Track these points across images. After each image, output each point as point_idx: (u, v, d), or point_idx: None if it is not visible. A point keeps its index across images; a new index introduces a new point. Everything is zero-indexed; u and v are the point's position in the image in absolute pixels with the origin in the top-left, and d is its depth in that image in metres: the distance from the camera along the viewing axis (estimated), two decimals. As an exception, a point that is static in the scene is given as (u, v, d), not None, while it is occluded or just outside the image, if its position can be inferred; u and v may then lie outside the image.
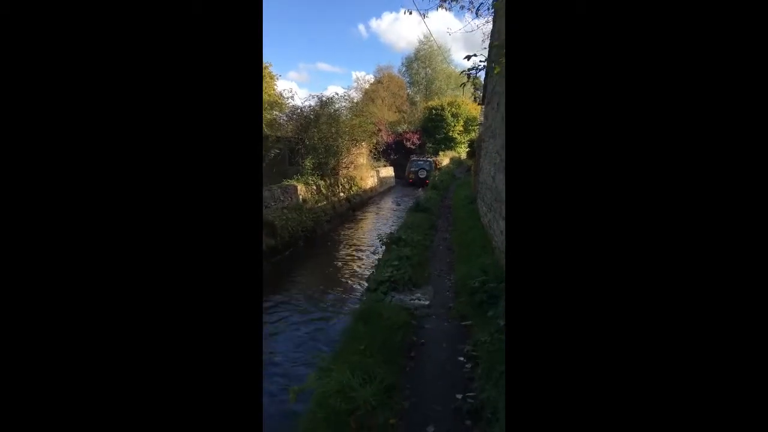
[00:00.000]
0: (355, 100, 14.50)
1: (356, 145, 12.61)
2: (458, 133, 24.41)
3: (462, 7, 6.93)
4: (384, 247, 6.11)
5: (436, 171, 18.27)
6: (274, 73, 16.60)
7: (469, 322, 3.35)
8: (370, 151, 15.76)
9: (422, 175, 17.80)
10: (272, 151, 10.12)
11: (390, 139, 22.29)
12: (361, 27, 57.79)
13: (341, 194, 11.55)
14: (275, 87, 15.15)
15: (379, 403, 2.17)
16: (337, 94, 11.83)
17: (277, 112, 11.80)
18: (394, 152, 22.21)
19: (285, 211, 7.89)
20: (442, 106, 24.25)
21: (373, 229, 9.89)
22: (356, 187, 12.91)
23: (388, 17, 59.13)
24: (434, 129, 24.22)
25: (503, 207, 4.69)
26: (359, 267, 6.70)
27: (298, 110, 11.68)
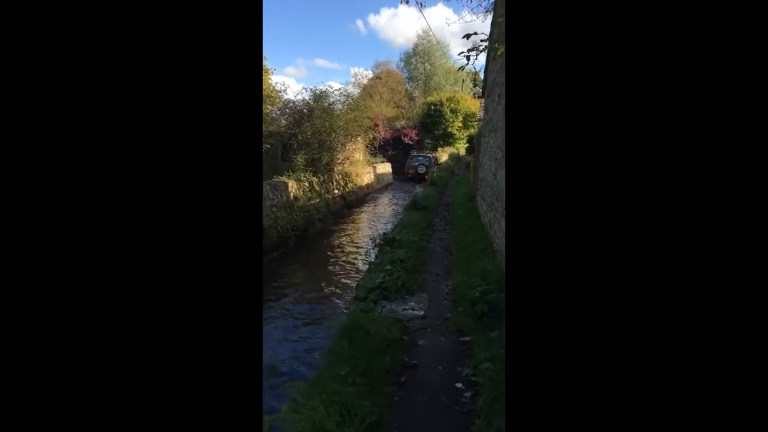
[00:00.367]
0: (352, 95, 14.05)
1: (352, 140, 12.19)
2: (457, 129, 24.08)
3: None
4: (377, 249, 5.71)
5: (435, 167, 18.13)
6: (269, 68, 16.15)
7: (469, 338, 2.96)
8: (367, 147, 15.34)
9: (421, 170, 17.77)
10: (263, 147, 9.69)
11: (388, 135, 21.91)
12: (359, 23, 57.14)
13: (336, 191, 11.13)
14: (270, 81, 14.72)
15: (360, 448, 1.79)
16: (331, 87, 11.37)
17: (269, 106, 11.35)
18: (392, 148, 21.85)
19: (274, 209, 7.49)
20: (440, 101, 23.91)
21: (369, 227, 9.50)
22: (352, 184, 12.50)
23: (386, 13, 58.55)
24: (433, 125, 23.90)
25: (505, 206, 4.30)
26: (352, 269, 6.32)
27: (291, 104, 11.23)
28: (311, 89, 11.20)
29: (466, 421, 2.08)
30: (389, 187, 17.43)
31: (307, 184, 9.44)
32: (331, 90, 11.33)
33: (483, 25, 15.25)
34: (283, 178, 8.75)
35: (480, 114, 13.82)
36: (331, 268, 6.44)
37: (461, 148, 24.03)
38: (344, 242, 8.12)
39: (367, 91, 28.63)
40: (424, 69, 31.00)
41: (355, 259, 6.95)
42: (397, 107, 28.54)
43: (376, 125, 18.25)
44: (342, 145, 11.51)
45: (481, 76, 7.90)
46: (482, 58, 6.24)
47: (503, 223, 4.43)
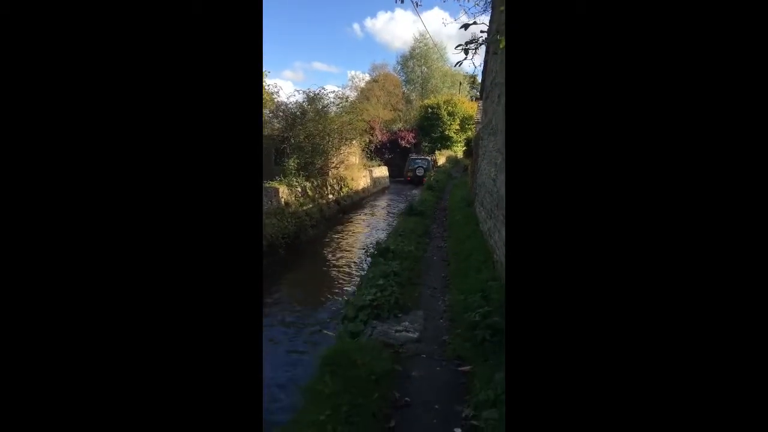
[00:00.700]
0: (349, 98, 13.72)
1: (347, 144, 11.86)
2: (455, 132, 23.88)
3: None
4: (370, 259, 5.37)
5: (433, 170, 18.14)
6: (264, 71, 15.88)
7: (468, 367, 2.63)
8: (363, 150, 15.03)
9: (420, 173, 17.95)
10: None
11: (385, 138, 21.62)
12: (356, 26, 57.08)
13: (330, 196, 10.79)
14: (264, 83, 14.40)
15: None
16: (324, 89, 11.04)
17: (261, 109, 11.00)
18: (388, 151, 21.55)
19: (264, 216, 7.15)
20: (438, 104, 23.76)
21: (364, 234, 9.17)
22: (347, 188, 12.16)
23: (382, 17, 58.56)
24: (430, 128, 23.69)
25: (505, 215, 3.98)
26: (344, 280, 5.97)
27: (284, 106, 10.90)
28: (305, 91, 10.88)
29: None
30: (386, 191, 17.11)
31: (299, 189, 9.09)
32: (325, 92, 11.00)
33: (480, 27, 15.03)
34: (274, 184, 8.41)
35: (477, 117, 13.55)
36: (322, 278, 6.09)
37: (458, 151, 23.79)
38: (337, 250, 7.78)
39: (364, 94, 28.47)
40: (421, 72, 30.88)
41: (349, 268, 6.61)
42: (394, 110, 28.30)
43: (373, 128, 17.96)
44: (336, 148, 11.18)
45: (479, 78, 7.62)
46: (480, 57, 5.96)
47: (504, 233, 4.11)
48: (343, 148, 11.76)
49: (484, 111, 7.31)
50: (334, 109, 11.33)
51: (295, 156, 9.80)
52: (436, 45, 29.15)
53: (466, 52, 2.31)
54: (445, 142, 24.00)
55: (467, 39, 2.34)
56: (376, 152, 18.13)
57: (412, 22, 53.64)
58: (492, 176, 5.26)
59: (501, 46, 2.36)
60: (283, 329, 4.39)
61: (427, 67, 30.61)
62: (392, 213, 11.42)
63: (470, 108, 22.33)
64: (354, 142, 12.64)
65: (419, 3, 8.01)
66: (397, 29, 53.09)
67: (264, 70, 16.03)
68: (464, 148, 22.89)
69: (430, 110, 23.70)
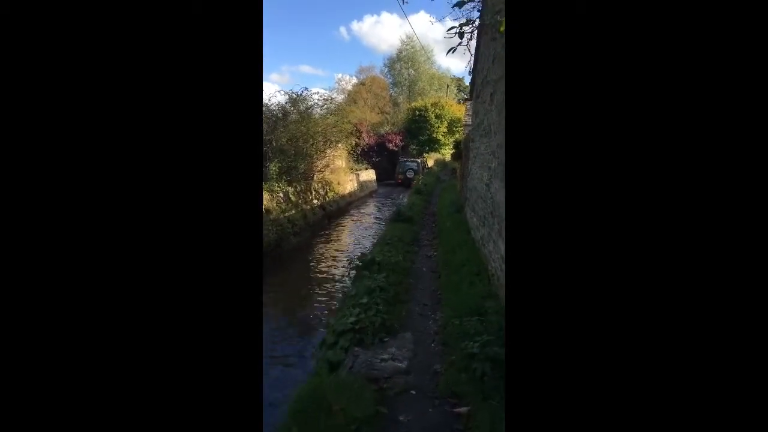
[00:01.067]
0: (335, 100, 13.29)
1: (332, 147, 11.42)
2: (442, 135, 23.70)
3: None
4: (354, 272, 4.94)
5: (422, 173, 18.08)
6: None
7: (466, 409, 2.23)
8: (350, 153, 14.61)
9: (410, 175, 17.88)
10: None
11: (372, 141, 21.27)
12: (343, 29, 56.76)
13: (314, 201, 10.32)
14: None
15: None
16: (308, 89, 10.58)
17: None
18: (376, 154, 21.20)
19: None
20: (425, 107, 23.58)
21: (350, 241, 8.73)
22: (332, 193, 11.70)
23: (369, 20, 58.33)
24: (418, 130, 23.48)
25: (503, 224, 3.61)
26: (327, 295, 5.53)
27: (264, 108, 10.41)
28: (287, 92, 10.40)
29: None
30: (374, 195, 16.70)
31: (281, 195, 8.61)
32: (308, 93, 10.55)
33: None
34: (254, 189, 7.92)
35: (466, 119, 13.28)
36: (302, 293, 5.63)
37: (447, 153, 23.61)
38: (322, 259, 7.32)
39: (351, 96, 28.16)
40: (409, 74, 30.70)
41: (332, 279, 6.17)
42: (382, 113, 28.03)
43: (360, 131, 17.59)
44: (321, 151, 10.73)
45: (466, 81, 7.33)
46: (473, 47, 5.62)
47: (500, 244, 3.74)
48: (329, 151, 11.33)
49: (475, 112, 6.99)
50: (319, 111, 10.89)
51: (276, 160, 9.33)
52: (423, 47, 29.01)
53: (461, 35, 1.93)
54: (433, 144, 23.80)
55: (455, 43, 1.97)
56: (363, 155, 17.78)
57: (398, 25, 53.60)
58: (485, 181, 4.90)
59: (501, 29, 1.99)
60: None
61: (415, 70, 30.46)
62: (379, 218, 11.02)
63: (458, 111, 22.23)
64: (340, 145, 12.21)
65: (405, 0, 7.69)
66: (384, 32, 53.06)
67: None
68: (452, 151, 22.77)
69: (417, 113, 23.50)
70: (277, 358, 3.74)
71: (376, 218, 11.35)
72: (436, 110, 23.21)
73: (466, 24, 1.94)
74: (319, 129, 10.25)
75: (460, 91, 30.10)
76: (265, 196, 8.00)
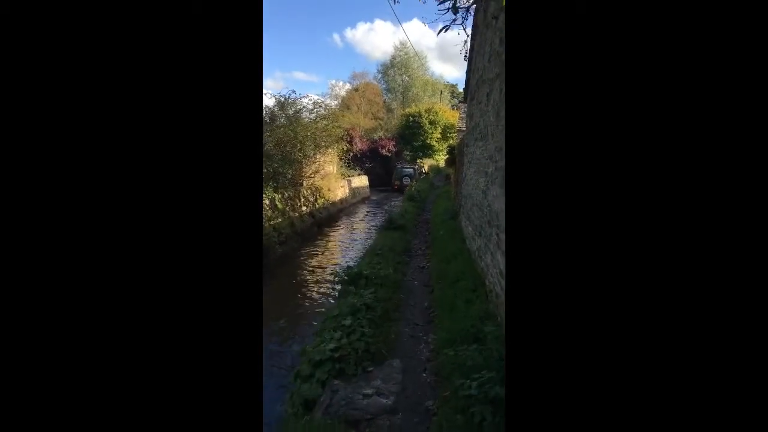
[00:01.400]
0: (327, 105, 12.95)
1: (321, 152, 11.04)
2: (436, 141, 23.48)
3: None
4: (339, 287, 4.54)
5: (419, 177, 18.06)
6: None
7: (463, 464, 1.84)
8: (341, 159, 14.24)
9: (406, 182, 17.87)
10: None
11: (365, 147, 20.94)
12: (336, 36, 56.72)
13: (303, 208, 9.91)
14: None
15: None
16: (294, 92, 10.22)
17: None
18: (369, 160, 20.87)
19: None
20: (419, 113, 23.39)
21: (339, 251, 8.32)
22: (323, 200, 11.30)
23: (362, 27, 58.49)
24: (412, 136, 23.24)
25: (502, 236, 3.24)
26: (312, 312, 5.10)
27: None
28: (275, 96, 10.04)
29: None
30: (366, 201, 16.32)
31: (267, 202, 8.20)
32: (296, 96, 10.19)
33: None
34: (237, 196, 7.50)
35: (460, 124, 12.99)
36: (286, 309, 5.20)
37: (440, 159, 23.37)
38: (308, 271, 6.90)
39: (345, 102, 27.92)
40: (402, 81, 30.58)
41: (318, 293, 5.75)
42: (375, 119, 27.81)
43: (351, 137, 17.24)
44: (310, 156, 10.35)
45: (459, 88, 7.04)
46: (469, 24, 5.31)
47: (499, 258, 3.37)
48: (319, 156, 10.94)
49: (470, 115, 6.66)
50: (308, 115, 10.52)
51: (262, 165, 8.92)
52: (417, 54, 28.93)
53: (456, 10, 1.57)
54: (426, 150, 23.58)
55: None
56: (355, 161, 17.42)
57: (391, 32, 53.79)
58: (482, 187, 4.55)
59: (503, 3, 1.64)
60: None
61: (408, 76, 30.35)
62: (371, 226, 10.62)
63: (452, 116, 22.06)
64: (330, 150, 11.84)
65: (397, 0, 7.40)
66: (377, 39, 53.12)
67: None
68: (446, 157, 22.53)
69: (411, 119, 23.29)
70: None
71: (367, 225, 10.95)
72: (430, 116, 23.02)
73: (462, -3, 1.58)
74: (309, 133, 9.88)
75: (453, 97, 30.03)
76: (250, 203, 7.59)
